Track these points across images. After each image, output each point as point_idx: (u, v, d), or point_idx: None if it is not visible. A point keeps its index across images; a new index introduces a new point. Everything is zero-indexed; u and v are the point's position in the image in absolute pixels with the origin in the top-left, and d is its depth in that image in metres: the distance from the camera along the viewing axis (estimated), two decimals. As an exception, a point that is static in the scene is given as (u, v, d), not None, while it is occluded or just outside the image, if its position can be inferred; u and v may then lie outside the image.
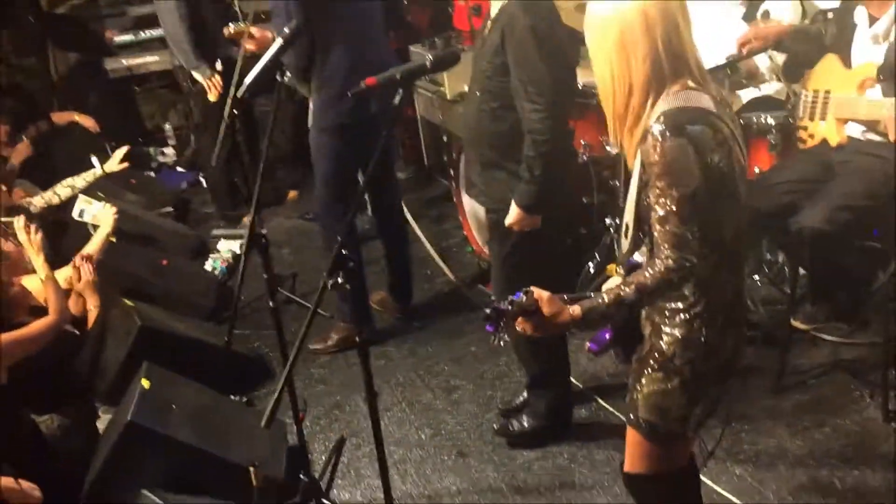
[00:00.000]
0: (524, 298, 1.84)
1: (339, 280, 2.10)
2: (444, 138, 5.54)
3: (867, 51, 3.11)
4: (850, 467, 2.91)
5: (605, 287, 2.18)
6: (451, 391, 3.63)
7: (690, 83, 1.86)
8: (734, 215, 1.91)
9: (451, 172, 4.63)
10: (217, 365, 3.47)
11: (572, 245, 4.30)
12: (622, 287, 1.88)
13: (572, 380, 3.48)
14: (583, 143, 4.04)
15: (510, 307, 1.82)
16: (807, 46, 3.27)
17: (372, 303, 4.19)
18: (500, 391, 3.56)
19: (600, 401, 3.41)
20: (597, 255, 4.08)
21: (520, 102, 2.70)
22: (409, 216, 4.62)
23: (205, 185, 6.03)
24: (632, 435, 2.14)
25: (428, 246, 4.79)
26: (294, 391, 2.95)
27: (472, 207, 4.57)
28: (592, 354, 3.45)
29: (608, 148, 3.99)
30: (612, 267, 4.01)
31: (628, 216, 2.00)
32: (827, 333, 3.54)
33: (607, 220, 4.12)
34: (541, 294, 1.87)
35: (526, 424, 3.22)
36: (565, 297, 1.93)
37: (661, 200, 1.83)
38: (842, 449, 3.00)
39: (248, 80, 2.59)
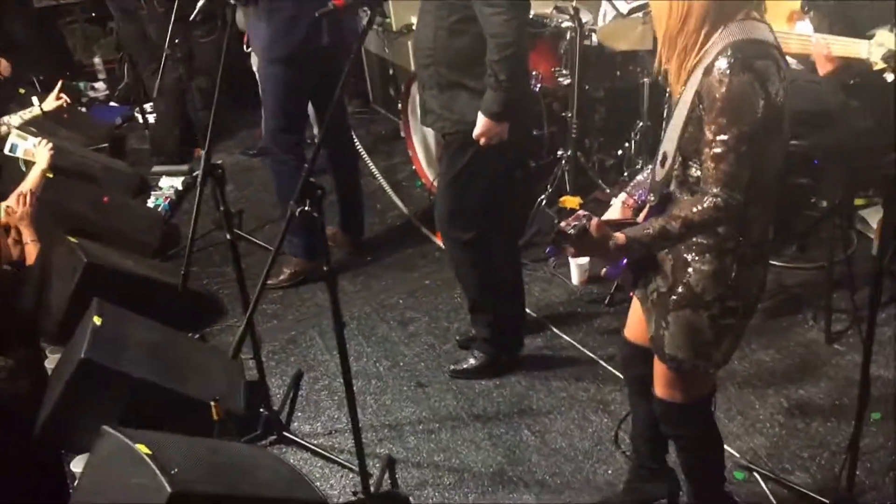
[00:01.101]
0: (584, 222, 1.79)
1: (307, 208, 2.04)
2: (391, 71, 5.46)
3: None
4: (796, 387, 3.03)
5: (605, 216, 2.16)
6: (407, 324, 3.64)
7: (754, 13, 1.82)
8: (780, 152, 1.89)
9: (399, 106, 4.57)
10: (168, 302, 3.39)
11: (523, 179, 4.32)
12: (668, 220, 1.84)
13: (532, 312, 3.55)
14: (534, 73, 4.01)
15: (574, 232, 1.77)
16: None
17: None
18: (457, 322, 3.58)
19: (554, 329, 3.47)
20: (549, 187, 4.11)
21: (479, 7, 2.61)
22: (361, 150, 4.56)
23: (140, 119, 5.84)
24: (658, 365, 2.17)
25: (381, 179, 4.74)
26: (254, 328, 2.92)
27: (423, 140, 4.54)
28: (609, 277, 3.49)
29: (560, 79, 3.98)
30: (564, 199, 4.04)
31: (668, 145, 1.94)
32: (773, 259, 3.66)
33: (559, 153, 4.14)
34: (592, 218, 1.82)
35: (474, 360, 3.23)
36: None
37: (720, 138, 1.79)
38: (787, 369, 3.12)
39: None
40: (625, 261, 2.10)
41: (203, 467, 2.42)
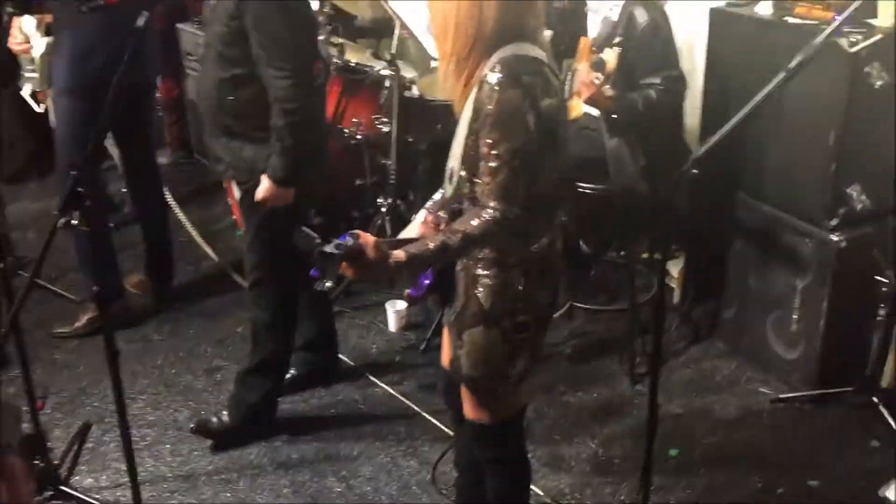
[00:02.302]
0: (350, 242, 1.74)
1: (74, 220, 1.88)
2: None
3: (594, 25, 3.19)
4: (601, 426, 3.08)
5: (409, 227, 2.16)
6: (214, 371, 3.44)
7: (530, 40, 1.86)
8: (556, 167, 1.92)
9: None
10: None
11: (343, 228, 4.26)
12: (448, 235, 1.83)
13: (342, 357, 3.45)
14: (354, 121, 4.01)
15: (337, 251, 1.72)
16: (570, 26, 3.36)
17: (129, 286, 3.90)
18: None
19: (369, 376, 3.38)
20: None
21: (263, 69, 2.56)
22: (171, 200, 4.37)
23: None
24: (463, 388, 2.14)
25: (190, 228, 4.55)
26: (29, 375, 2.66)
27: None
28: (411, 300, 3.41)
29: (380, 126, 3.99)
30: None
31: (454, 161, 1.94)
32: (582, 302, 3.75)
33: (379, 201, 4.12)
34: (367, 238, 1.78)
35: (227, 419, 2.99)
36: (389, 241, 1.86)
37: (493, 152, 1.80)
38: (593, 410, 3.17)
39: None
40: (426, 282, 2.07)
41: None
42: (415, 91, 4.01)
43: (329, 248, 1.71)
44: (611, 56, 2.79)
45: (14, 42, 3.54)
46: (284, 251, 2.78)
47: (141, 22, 1.96)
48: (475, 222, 1.82)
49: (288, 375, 3.17)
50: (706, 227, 3.53)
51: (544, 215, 1.95)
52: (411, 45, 4.38)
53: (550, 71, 1.87)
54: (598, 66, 2.82)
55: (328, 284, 1.74)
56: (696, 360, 3.46)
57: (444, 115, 4.03)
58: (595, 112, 3.12)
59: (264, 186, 2.66)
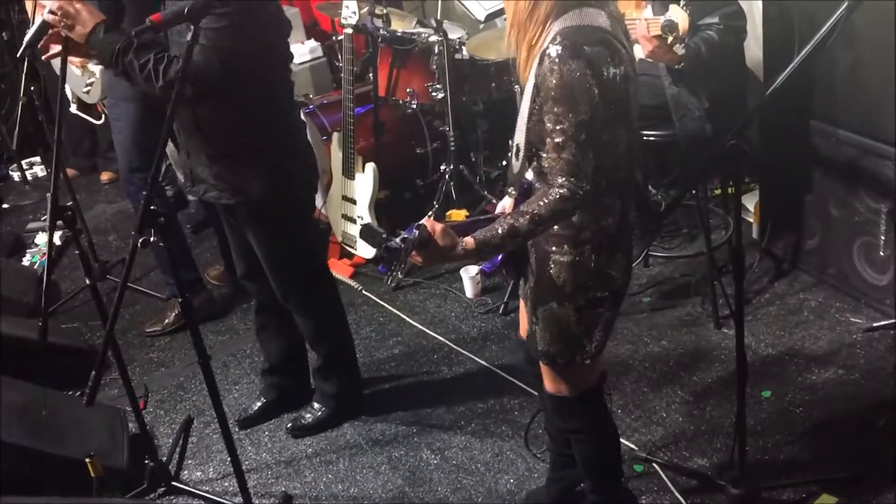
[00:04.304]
0: (416, 234, 1.75)
1: (151, 238, 1.94)
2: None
3: None
4: (689, 375, 3.05)
5: (500, 205, 2.14)
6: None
7: (593, 1, 1.80)
8: (626, 139, 1.87)
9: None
10: (45, 361, 3.21)
11: (410, 198, 4.29)
12: (517, 217, 1.80)
13: (421, 327, 3.50)
14: (408, 91, 3.99)
15: (403, 245, 1.73)
16: None
17: (209, 278, 4.02)
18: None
19: (451, 344, 3.40)
20: (435, 203, 4.08)
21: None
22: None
23: (16, 177, 5.60)
24: (541, 362, 2.14)
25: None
26: (128, 378, 2.78)
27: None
28: (484, 276, 3.42)
29: (434, 94, 3.96)
30: (450, 213, 4.02)
31: (519, 137, 1.91)
32: (656, 250, 3.70)
33: (442, 168, 4.12)
34: (434, 226, 1.77)
35: (319, 413, 3.05)
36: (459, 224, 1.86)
37: (559, 127, 1.76)
38: (679, 358, 3.14)
39: (28, 38, 2.34)
40: (498, 258, 2.07)
41: (78, 529, 2.28)
42: (465, 53, 3.96)
43: (394, 243, 1.72)
44: (681, 16, 2.68)
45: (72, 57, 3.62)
46: (303, 254, 2.81)
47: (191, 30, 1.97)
48: (543, 202, 1.79)
49: (257, 406, 3.15)
50: (780, 158, 3.42)
51: (615, 190, 1.90)
52: (456, 6, 4.32)
53: (616, 38, 1.80)
54: (670, 27, 2.70)
55: (399, 276, 1.75)
56: (781, 295, 3.38)
57: (497, 75, 3.99)
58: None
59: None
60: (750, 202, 3.71)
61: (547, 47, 1.76)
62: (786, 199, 3.47)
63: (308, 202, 2.85)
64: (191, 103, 2.40)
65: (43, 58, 2.61)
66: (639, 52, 2.94)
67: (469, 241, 1.79)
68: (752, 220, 3.71)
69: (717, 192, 3.82)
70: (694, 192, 3.28)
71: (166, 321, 3.76)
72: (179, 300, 2.24)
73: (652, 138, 3.14)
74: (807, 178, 3.32)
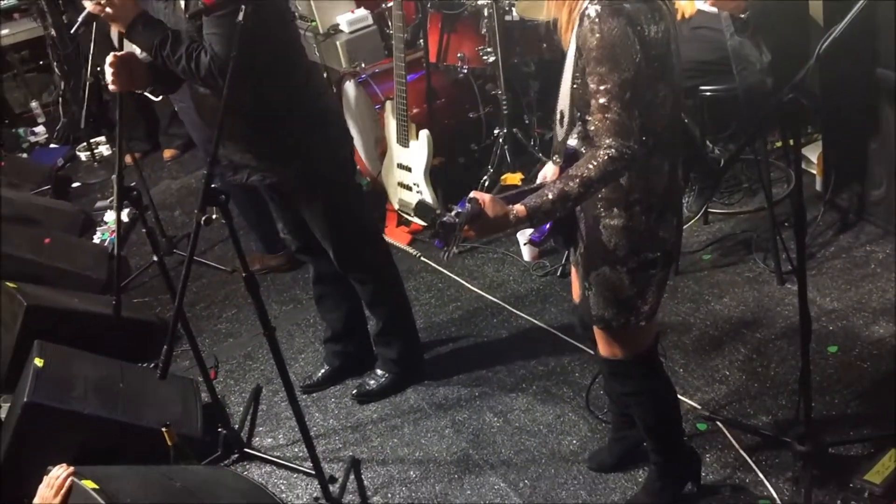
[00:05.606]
0: (469, 207, 1.76)
1: (213, 216, 2.00)
2: (325, 75, 5.39)
3: None
4: (752, 332, 3.02)
5: (541, 174, 2.15)
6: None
7: None
8: (670, 97, 1.85)
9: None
10: (117, 335, 3.34)
11: (465, 163, 4.29)
12: (566, 181, 1.79)
13: (480, 292, 3.53)
14: (459, 55, 3.98)
15: (457, 219, 1.75)
16: None
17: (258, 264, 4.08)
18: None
19: (510, 308, 3.43)
20: (490, 167, 4.08)
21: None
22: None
23: (83, 157, 5.78)
24: (595, 327, 2.16)
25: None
26: (198, 350, 2.88)
27: (360, 134, 4.48)
28: (534, 244, 3.42)
29: (485, 58, 3.94)
30: (505, 176, 4.00)
31: (563, 103, 1.90)
32: (716, 207, 3.64)
33: (496, 131, 4.11)
34: (483, 198, 1.78)
35: (383, 379, 3.11)
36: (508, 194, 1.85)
37: (602, 87, 1.75)
38: (742, 315, 3.10)
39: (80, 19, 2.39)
40: (547, 225, 2.07)
41: (157, 494, 2.39)
42: (514, 14, 3.92)
43: (449, 218, 1.73)
44: None
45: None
46: (355, 216, 2.82)
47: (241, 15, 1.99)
48: (592, 164, 1.78)
49: (321, 373, 3.23)
50: (843, 107, 3.32)
51: (662, 149, 1.88)
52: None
53: None
54: None
55: (455, 251, 1.77)
56: (847, 248, 3.31)
57: (548, 35, 3.94)
58: (710, 9, 2.96)
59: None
60: (813, 153, 3.62)
61: (586, 7, 1.75)
62: (850, 149, 3.38)
63: (348, 163, 2.83)
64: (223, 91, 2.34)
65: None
66: (700, 3, 2.88)
67: (520, 208, 1.80)
68: (815, 171, 3.61)
69: (778, 144, 3.73)
70: (752, 146, 3.21)
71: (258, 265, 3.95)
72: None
73: (709, 93, 3.08)
74: (871, 127, 3.21)
